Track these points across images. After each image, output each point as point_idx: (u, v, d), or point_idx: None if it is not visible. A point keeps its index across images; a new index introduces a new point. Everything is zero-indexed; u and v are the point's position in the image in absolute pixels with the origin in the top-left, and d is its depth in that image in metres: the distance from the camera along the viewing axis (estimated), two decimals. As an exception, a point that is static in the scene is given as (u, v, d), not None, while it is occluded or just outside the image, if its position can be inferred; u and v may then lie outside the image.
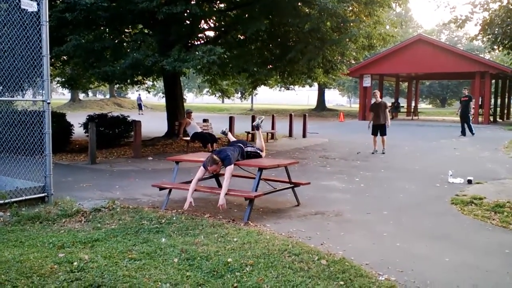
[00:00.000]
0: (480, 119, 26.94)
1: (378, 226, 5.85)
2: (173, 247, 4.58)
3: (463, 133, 18.91)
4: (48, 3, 6.39)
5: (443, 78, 40.14)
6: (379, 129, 13.38)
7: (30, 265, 4.01)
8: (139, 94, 43.44)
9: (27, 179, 6.69)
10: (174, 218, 5.77)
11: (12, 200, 6.07)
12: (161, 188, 6.75)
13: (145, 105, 49.67)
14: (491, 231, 5.70)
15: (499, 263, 4.58)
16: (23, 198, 6.24)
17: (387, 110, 13.45)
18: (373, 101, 13.95)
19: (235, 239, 4.90)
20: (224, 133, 7.41)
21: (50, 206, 6.18)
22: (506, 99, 33.07)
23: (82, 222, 5.65)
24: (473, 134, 18.75)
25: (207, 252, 4.44)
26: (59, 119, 12.91)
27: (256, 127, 7.24)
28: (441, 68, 27.65)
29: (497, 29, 9.50)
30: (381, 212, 6.58)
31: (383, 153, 13.23)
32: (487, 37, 10.26)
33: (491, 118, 28.65)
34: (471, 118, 19.39)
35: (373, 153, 13.19)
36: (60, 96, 60.91)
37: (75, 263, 4.09)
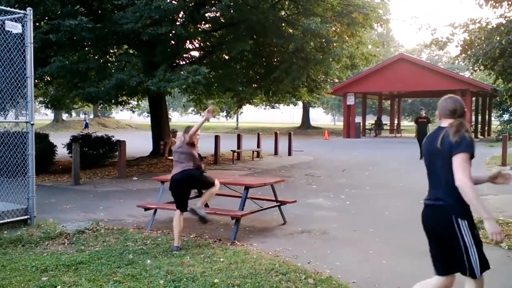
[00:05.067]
0: (462, 136, 27.36)
1: (364, 243, 5.87)
2: (159, 269, 4.53)
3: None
4: (33, 24, 6.40)
5: (425, 96, 40.82)
6: None
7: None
8: (86, 113, 44.31)
9: (9, 201, 6.59)
10: (160, 239, 5.72)
11: (-6, 223, 5.96)
12: (146, 209, 6.69)
13: (129, 124, 49.81)
14: (475, 247, 5.74)
15: (486, 280, 4.61)
16: (5, 221, 6.13)
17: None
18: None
19: (221, 259, 4.87)
20: None
21: (32, 229, 6.08)
22: (487, 116, 33.73)
23: (66, 244, 5.56)
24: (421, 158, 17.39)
25: (193, 273, 4.40)
26: (42, 140, 12.78)
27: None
28: (423, 86, 28.14)
29: (476, 50, 9.74)
30: (367, 229, 6.60)
31: None
32: (468, 59, 10.50)
33: (473, 135, 29.08)
34: None
35: None
36: (43, 116, 60.19)
37: (58, 287, 4.01)
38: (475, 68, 11.48)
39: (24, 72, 6.28)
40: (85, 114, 44.75)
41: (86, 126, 41.13)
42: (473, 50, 10.17)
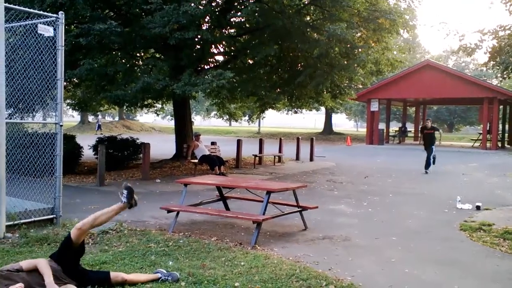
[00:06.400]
0: (488, 144, 26.83)
1: (386, 251, 5.82)
2: (180, 270, 4.58)
3: (434, 162, 15.22)
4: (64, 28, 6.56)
5: (451, 103, 40.19)
6: None
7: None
8: (99, 115, 45.04)
9: (36, 200, 6.75)
10: (181, 241, 5.77)
11: (21, 221, 6.11)
12: (169, 211, 6.77)
13: (152, 127, 50.50)
14: (500, 258, 5.64)
15: (509, 291, 4.53)
16: (32, 219, 6.28)
17: None
18: None
19: (242, 263, 4.90)
20: None
21: (58, 228, 6.22)
22: (515, 125, 32.96)
23: (90, 244, 5.67)
24: (427, 169, 14.96)
25: (214, 276, 4.43)
26: (69, 141, 13.03)
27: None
28: (449, 93, 27.71)
29: (505, 57, 9.56)
30: (390, 237, 6.54)
31: None
32: (497, 66, 10.31)
33: (499, 144, 28.51)
34: (434, 150, 15.09)
35: None
36: (70, 118, 61.52)
37: (83, 285, 4.10)
38: (504, 76, 11.25)
39: (54, 75, 6.44)
40: (98, 116, 45.70)
41: (99, 127, 42.10)
42: (502, 57, 9.99)
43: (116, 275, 4.16)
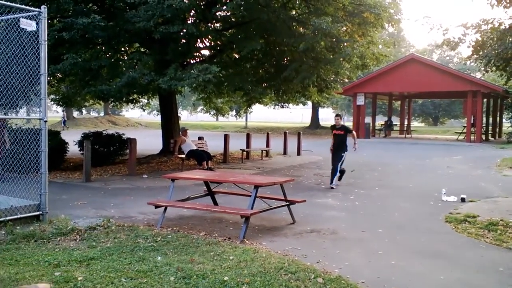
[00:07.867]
0: (472, 137, 27.19)
1: (373, 244, 5.87)
2: (169, 266, 4.57)
3: (341, 175, 11.14)
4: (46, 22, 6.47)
5: (436, 97, 40.56)
6: None
7: (26, 284, 3.99)
8: (63, 111, 44.10)
9: (22, 197, 6.67)
10: (170, 236, 5.76)
11: (7, 218, 6.03)
12: (157, 206, 6.75)
13: (138, 122, 50.13)
14: (485, 249, 5.74)
15: (493, 281, 4.62)
16: (18, 216, 6.21)
17: None
18: None
19: (231, 257, 4.91)
20: None
21: (45, 225, 6.16)
22: (498, 118, 33.42)
23: (77, 240, 5.63)
24: (331, 183, 10.69)
25: (203, 271, 4.44)
26: (54, 137, 12.89)
27: None
28: (433, 87, 27.97)
29: (488, 51, 9.67)
30: (376, 230, 6.60)
31: None
32: (480, 60, 10.42)
33: (483, 137, 28.90)
34: (343, 159, 11.07)
35: None
36: (54, 113, 60.74)
37: (71, 282, 4.07)
38: (487, 69, 11.40)
39: (37, 70, 6.35)
40: (63, 111, 44.87)
41: (65, 123, 41.35)
42: (485, 51, 10.11)
43: None
